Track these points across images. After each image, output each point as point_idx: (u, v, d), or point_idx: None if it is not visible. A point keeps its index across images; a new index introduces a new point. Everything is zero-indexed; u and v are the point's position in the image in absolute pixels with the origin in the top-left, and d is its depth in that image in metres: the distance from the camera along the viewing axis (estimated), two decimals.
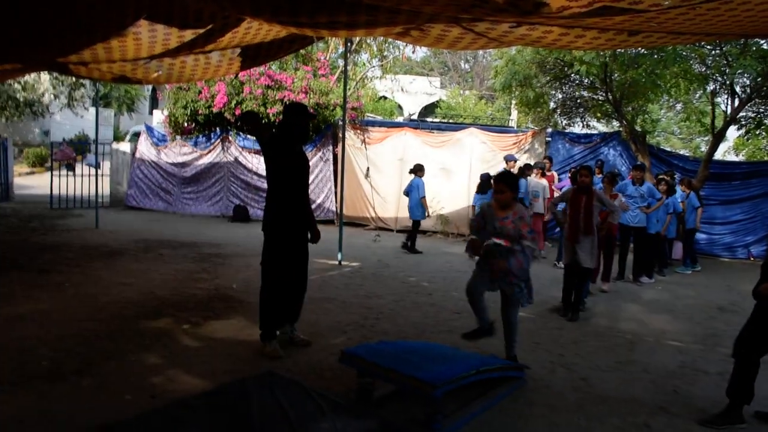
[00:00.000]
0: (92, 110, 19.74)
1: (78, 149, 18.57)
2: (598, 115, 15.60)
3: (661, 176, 10.88)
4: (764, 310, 4.15)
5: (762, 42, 11.00)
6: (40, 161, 26.52)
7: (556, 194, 10.88)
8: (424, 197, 11.79)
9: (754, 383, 4.20)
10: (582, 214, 7.14)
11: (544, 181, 11.64)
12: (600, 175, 10.11)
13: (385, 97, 28.55)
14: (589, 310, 7.52)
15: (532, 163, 12.35)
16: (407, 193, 11.99)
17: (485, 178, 11.43)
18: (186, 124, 16.13)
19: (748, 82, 12.74)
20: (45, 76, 21.63)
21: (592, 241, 7.15)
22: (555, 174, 12.79)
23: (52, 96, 22.90)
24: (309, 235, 5.40)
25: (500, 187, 5.13)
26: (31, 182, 22.48)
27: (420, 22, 4.64)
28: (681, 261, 11.51)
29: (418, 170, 11.86)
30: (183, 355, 5.09)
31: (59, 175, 15.94)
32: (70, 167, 17.13)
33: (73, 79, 19.15)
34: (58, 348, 5.07)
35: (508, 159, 12.24)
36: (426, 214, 11.98)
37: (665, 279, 10.31)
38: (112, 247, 10.26)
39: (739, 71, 11.49)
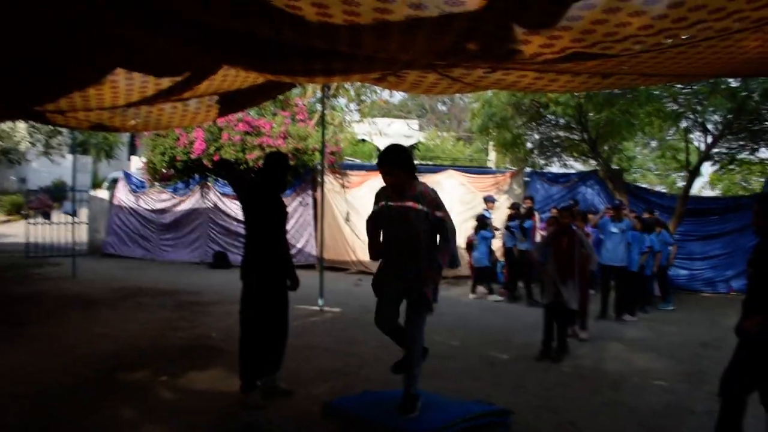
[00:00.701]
0: (70, 157, 19.62)
1: (55, 197, 18.37)
2: (575, 154, 15.80)
3: (639, 215, 10.97)
4: (747, 347, 4.13)
5: (731, 81, 11.27)
6: (16, 209, 26.19)
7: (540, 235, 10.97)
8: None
9: (742, 422, 4.16)
10: (565, 256, 7.12)
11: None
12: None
13: (364, 141, 28.71)
14: (573, 351, 7.47)
15: (509, 204, 12.48)
16: None
17: (480, 219, 11.65)
18: (164, 171, 16.08)
19: (719, 119, 13.01)
20: (21, 124, 21.52)
21: (575, 282, 7.13)
22: (537, 214, 12.74)
23: (28, 143, 22.75)
24: (288, 283, 5.34)
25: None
26: (7, 230, 22.15)
27: (396, 69, 4.69)
28: (662, 298, 11.52)
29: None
30: (161, 409, 4.95)
31: (35, 223, 15.73)
32: (47, 215, 16.95)
33: (50, 126, 19.05)
34: (28, 403, 4.91)
35: (488, 200, 12.31)
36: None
37: (647, 316, 10.31)
38: (89, 296, 10.07)
39: (710, 109, 11.74)
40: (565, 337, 7.26)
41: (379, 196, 4.55)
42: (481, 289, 12.08)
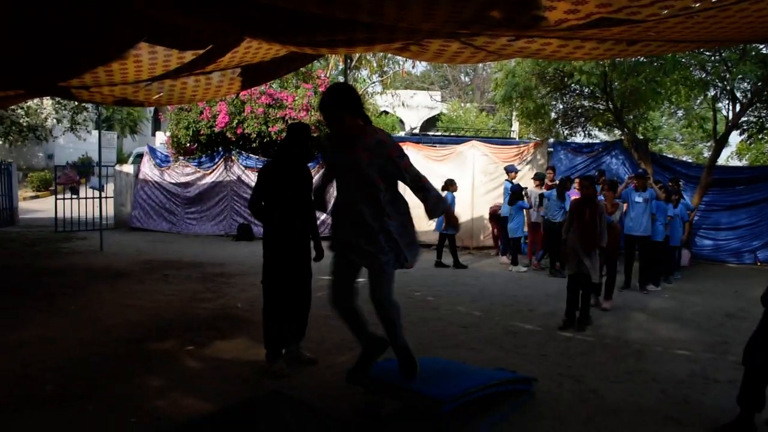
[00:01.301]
0: (95, 133, 19.81)
1: (81, 172, 18.60)
2: (600, 124, 15.63)
3: (664, 185, 10.83)
4: None
5: (761, 47, 11.03)
6: (45, 185, 26.61)
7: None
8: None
9: (765, 390, 4.15)
10: (588, 227, 7.06)
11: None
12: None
13: (387, 112, 28.65)
14: (596, 321, 7.47)
15: (533, 174, 12.38)
16: None
17: (516, 190, 11.54)
18: (188, 145, 16.21)
19: (748, 87, 12.76)
20: (47, 101, 21.75)
21: (597, 254, 7.10)
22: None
23: (54, 120, 23.01)
24: (313, 253, 5.39)
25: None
26: (36, 206, 22.55)
27: (419, 38, 4.66)
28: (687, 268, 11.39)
29: (450, 185, 11.79)
30: (188, 377, 5.06)
31: (63, 199, 15.98)
32: (74, 190, 17.19)
33: (76, 103, 19.23)
34: (62, 372, 5.05)
35: (509, 170, 12.25)
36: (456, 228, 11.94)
37: (672, 286, 10.26)
38: (116, 269, 10.26)
39: (739, 77, 11.51)
40: (588, 308, 7.25)
41: (325, 149, 3.98)
42: (504, 258, 12.11)
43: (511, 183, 12.00)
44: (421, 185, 3.88)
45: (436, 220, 11.72)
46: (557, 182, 11.19)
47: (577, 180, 10.09)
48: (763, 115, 13.56)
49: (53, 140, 25.55)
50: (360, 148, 3.77)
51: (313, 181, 5.20)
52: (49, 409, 4.29)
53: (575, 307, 7.13)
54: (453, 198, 11.69)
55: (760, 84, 11.81)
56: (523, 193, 11.64)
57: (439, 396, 3.73)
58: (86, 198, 15.81)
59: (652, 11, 3.32)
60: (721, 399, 4.79)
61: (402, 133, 25.14)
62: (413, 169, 3.90)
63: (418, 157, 14.54)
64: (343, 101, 3.79)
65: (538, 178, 11.91)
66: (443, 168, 14.35)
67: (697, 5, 3.27)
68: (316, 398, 4.50)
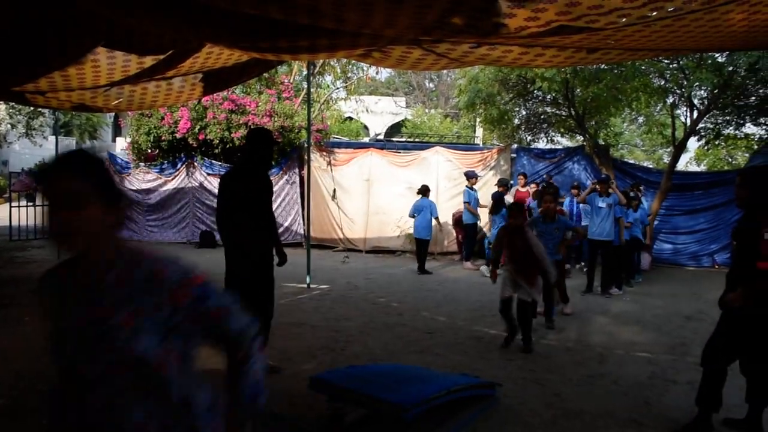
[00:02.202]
0: (52, 139, 19.39)
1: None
2: (562, 130, 15.83)
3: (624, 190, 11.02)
4: (730, 318, 4.20)
5: (717, 55, 11.29)
6: None
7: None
8: (438, 217, 12.07)
9: (721, 391, 4.24)
10: (522, 256, 6.43)
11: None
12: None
13: (351, 118, 28.61)
14: (559, 325, 7.54)
15: (497, 179, 12.55)
16: (413, 215, 12.06)
17: (497, 198, 11.61)
18: (149, 151, 15.94)
19: (705, 94, 13.05)
20: (1, 106, 21.22)
21: (538, 284, 6.47)
22: (530, 190, 12.62)
23: (9, 125, 22.44)
24: (276, 260, 5.35)
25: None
26: None
27: (381, 44, 4.65)
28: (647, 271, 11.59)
29: (426, 191, 12.06)
30: None
31: (18, 206, 15.59)
32: (30, 197, 16.79)
33: (31, 108, 18.80)
34: (16, 386, 4.90)
35: (470, 176, 12.51)
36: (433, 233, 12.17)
37: (633, 290, 10.43)
38: None
39: (696, 84, 11.77)
40: (529, 333, 6.41)
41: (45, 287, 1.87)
42: (468, 264, 12.22)
43: (471, 189, 12.22)
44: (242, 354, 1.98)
45: (413, 225, 11.98)
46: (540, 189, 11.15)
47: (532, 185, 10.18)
48: (719, 121, 13.88)
49: (8, 146, 24.96)
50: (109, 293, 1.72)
51: (274, 187, 5.13)
52: (3, 422, 4.15)
53: (515, 329, 6.48)
54: (434, 204, 12.12)
55: (716, 91, 12.10)
56: (505, 203, 11.82)
57: (402, 402, 3.71)
58: (43, 205, 15.40)
59: (610, 20, 3.37)
60: (681, 400, 4.88)
61: (366, 139, 25.16)
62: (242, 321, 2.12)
63: (382, 162, 14.59)
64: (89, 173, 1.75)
65: (503, 184, 12.03)
66: (407, 174, 14.41)
67: (654, 14, 3.33)
68: (280, 406, 4.45)
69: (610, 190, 9.79)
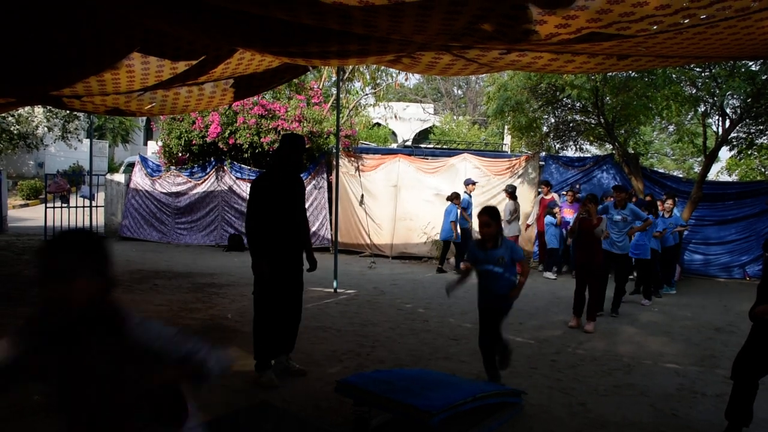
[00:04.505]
0: (86, 142, 19.80)
1: (72, 181, 18.53)
2: (591, 138, 15.71)
3: (648, 198, 10.83)
4: (761, 331, 4.14)
5: (750, 63, 11.13)
6: (35, 193, 26.46)
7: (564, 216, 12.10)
8: (454, 221, 12.31)
9: (752, 405, 4.17)
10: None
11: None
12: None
13: (379, 124, 28.71)
14: (586, 335, 7.48)
15: (516, 186, 13.12)
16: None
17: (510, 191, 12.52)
18: (180, 155, 16.18)
19: (737, 103, 12.86)
20: (39, 109, 21.68)
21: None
22: (555, 195, 13.10)
23: (45, 128, 22.94)
24: (308, 264, 5.41)
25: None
26: (26, 215, 22.39)
27: (411, 50, 4.68)
28: (666, 282, 11.26)
29: (454, 198, 12.35)
30: None
31: (53, 207, 15.89)
32: (65, 199, 17.10)
33: (67, 111, 19.21)
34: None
35: (468, 183, 12.96)
36: (454, 236, 12.45)
37: (662, 300, 10.29)
38: None
39: (728, 93, 11.61)
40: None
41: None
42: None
43: (469, 196, 12.77)
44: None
45: (441, 228, 12.20)
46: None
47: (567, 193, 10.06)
48: (752, 131, 13.66)
49: (44, 148, 25.45)
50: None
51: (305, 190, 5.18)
52: (37, 419, 4.24)
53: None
54: (454, 208, 12.33)
55: (749, 100, 11.92)
56: (554, 210, 12.39)
57: (428, 407, 3.72)
58: (77, 207, 15.72)
59: (641, 26, 3.36)
60: (710, 413, 4.81)
61: (394, 145, 25.21)
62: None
63: (410, 169, 14.61)
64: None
65: (507, 191, 12.59)
66: (435, 180, 14.41)
67: (686, 21, 3.31)
68: (305, 409, 4.49)
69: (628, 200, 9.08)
